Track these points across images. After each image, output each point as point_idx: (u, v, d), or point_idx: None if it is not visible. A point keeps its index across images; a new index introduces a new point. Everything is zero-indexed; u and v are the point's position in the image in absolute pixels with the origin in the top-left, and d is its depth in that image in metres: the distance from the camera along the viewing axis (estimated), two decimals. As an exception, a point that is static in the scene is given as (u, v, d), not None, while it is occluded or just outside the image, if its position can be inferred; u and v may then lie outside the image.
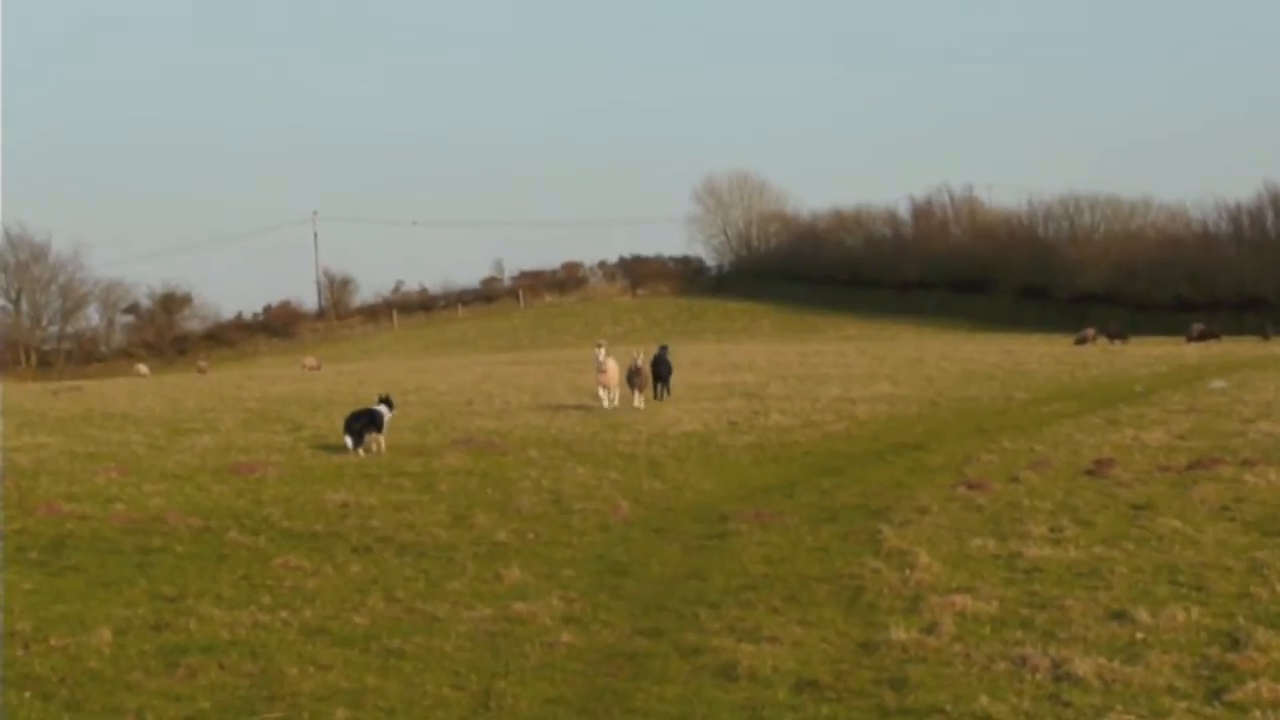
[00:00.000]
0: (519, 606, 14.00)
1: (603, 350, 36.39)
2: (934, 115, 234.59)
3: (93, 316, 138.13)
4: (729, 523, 19.16)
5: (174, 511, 19.77)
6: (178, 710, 10.55)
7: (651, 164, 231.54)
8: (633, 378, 36.55)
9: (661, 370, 40.24)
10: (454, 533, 18.53)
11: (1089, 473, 22.36)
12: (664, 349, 42.25)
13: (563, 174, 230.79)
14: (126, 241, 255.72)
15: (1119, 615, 12.89)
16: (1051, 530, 17.41)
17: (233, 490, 22.05)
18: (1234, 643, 11.80)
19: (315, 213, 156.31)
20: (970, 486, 21.26)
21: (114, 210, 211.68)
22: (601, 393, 35.94)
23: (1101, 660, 11.29)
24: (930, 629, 12.62)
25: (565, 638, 12.85)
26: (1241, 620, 12.53)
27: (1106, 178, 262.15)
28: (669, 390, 40.33)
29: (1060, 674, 11.03)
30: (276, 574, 15.83)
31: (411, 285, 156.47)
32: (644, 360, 37.11)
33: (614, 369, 36.08)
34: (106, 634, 12.81)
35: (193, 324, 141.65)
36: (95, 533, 18.32)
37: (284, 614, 13.74)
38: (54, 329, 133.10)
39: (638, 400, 36.39)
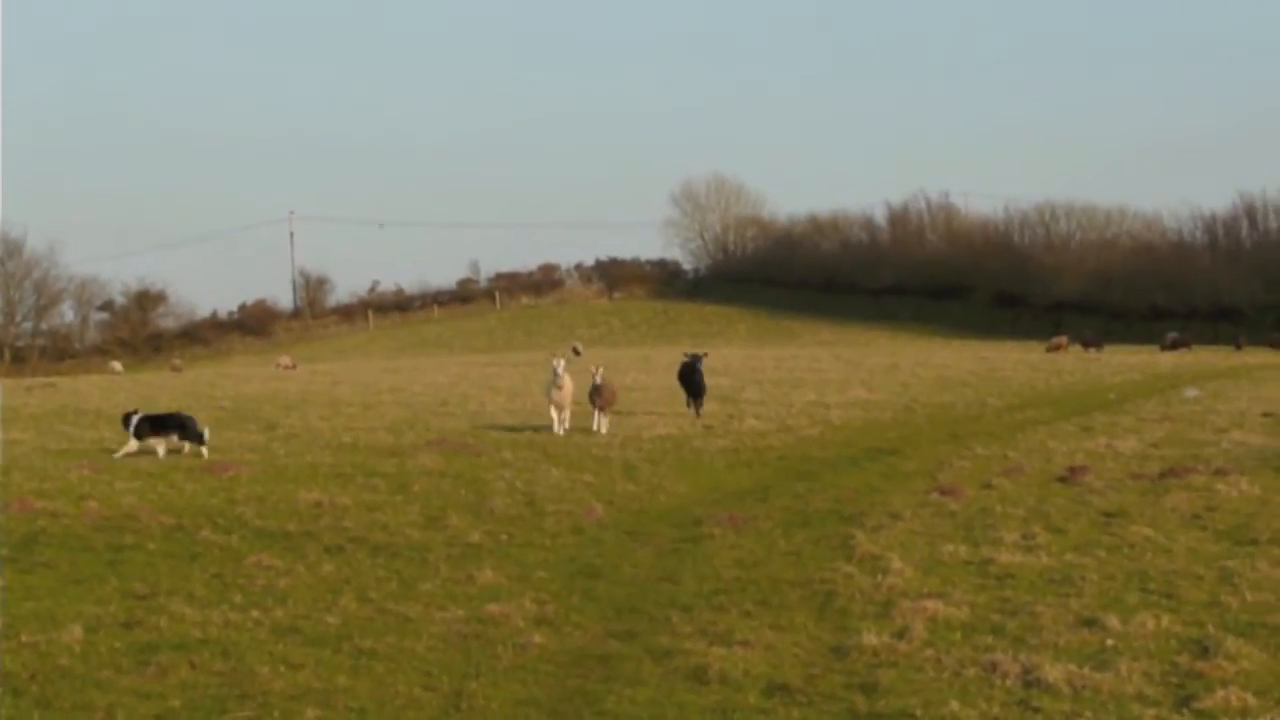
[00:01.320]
0: (491, 608, 14.00)
1: (561, 364, 31.20)
2: (911, 122, 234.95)
3: (67, 313, 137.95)
4: (702, 526, 19.17)
5: (146, 509, 19.72)
6: (148, 708, 10.54)
7: (629, 167, 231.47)
8: (593, 396, 31.64)
9: (695, 383, 35.52)
10: (427, 533, 18.51)
11: (1062, 480, 22.42)
12: (696, 359, 36.20)
13: (540, 176, 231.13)
14: (101, 238, 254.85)
15: (1089, 622, 12.92)
16: (1023, 537, 17.44)
17: (205, 489, 22.00)
18: (1203, 651, 11.84)
19: (292, 212, 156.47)
20: (943, 492, 21.30)
21: (89, 207, 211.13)
22: (554, 413, 31.17)
23: (1071, 667, 11.32)
24: (901, 634, 12.64)
25: (537, 639, 12.85)
26: (1211, 628, 12.57)
27: (1083, 186, 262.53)
28: (700, 409, 35.13)
29: (1030, 680, 11.05)
30: (249, 573, 15.80)
31: (387, 285, 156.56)
32: (604, 377, 31.72)
33: (570, 388, 31.17)
34: (77, 631, 12.78)
35: (167, 322, 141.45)
36: (67, 530, 18.27)
37: (256, 613, 13.72)
38: (28, 325, 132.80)
39: (599, 423, 31.38)
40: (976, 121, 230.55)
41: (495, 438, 29.84)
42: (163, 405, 40.53)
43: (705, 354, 37.77)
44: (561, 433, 30.47)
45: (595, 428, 31.22)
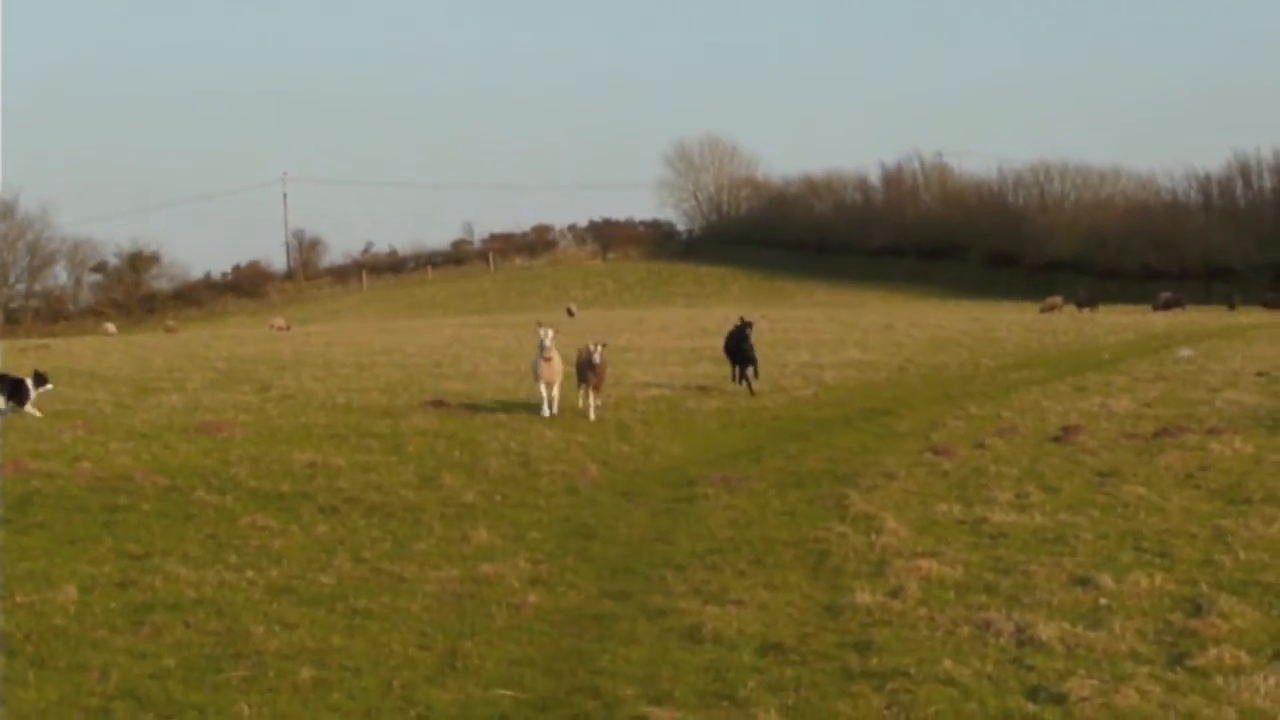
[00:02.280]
0: (486, 568, 14.00)
1: (549, 334, 27.16)
2: (906, 81, 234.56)
3: (60, 275, 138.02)
4: (696, 487, 19.18)
5: (141, 470, 19.72)
6: (142, 667, 10.54)
7: (623, 128, 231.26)
8: (584, 372, 27.47)
9: (744, 352, 31.19)
10: (421, 494, 18.51)
11: (1055, 439, 22.43)
12: (745, 325, 31.50)
13: (533, 137, 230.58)
14: (95, 200, 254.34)
15: (1083, 581, 12.93)
16: (1017, 496, 17.45)
17: (200, 449, 21.99)
18: (1197, 609, 11.85)
19: (285, 173, 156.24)
20: (937, 452, 21.31)
21: (82, 169, 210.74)
22: (542, 390, 27.13)
23: (1065, 625, 11.33)
24: (895, 593, 12.65)
25: (532, 599, 12.85)
26: (1205, 587, 12.58)
27: (1077, 146, 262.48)
28: (756, 378, 31.33)
29: (1024, 638, 11.07)
30: (243, 533, 15.80)
31: (381, 247, 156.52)
32: (602, 354, 27.13)
33: (559, 363, 27.30)
34: (72, 591, 12.78)
35: (161, 283, 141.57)
36: (61, 490, 18.26)
37: (250, 573, 13.71)
38: (21, 287, 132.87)
39: (588, 405, 27.28)
40: (971, 81, 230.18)
41: (490, 399, 29.84)
42: (156, 367, 40.56)
43: (753, 321, 32.44)
44: (550, 414, 26.59)
45: (580, 407, 27.40)
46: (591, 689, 10.10)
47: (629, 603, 12.79)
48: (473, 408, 27.90)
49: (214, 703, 9.71)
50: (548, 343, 26.96)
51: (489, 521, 16.52)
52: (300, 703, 9.77)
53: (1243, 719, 9.06)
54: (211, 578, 13.49)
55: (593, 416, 26.67)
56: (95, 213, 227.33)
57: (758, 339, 31.92)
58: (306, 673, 10.37)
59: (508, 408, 28.01)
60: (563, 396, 27.69)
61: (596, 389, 27.53)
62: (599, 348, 27.36)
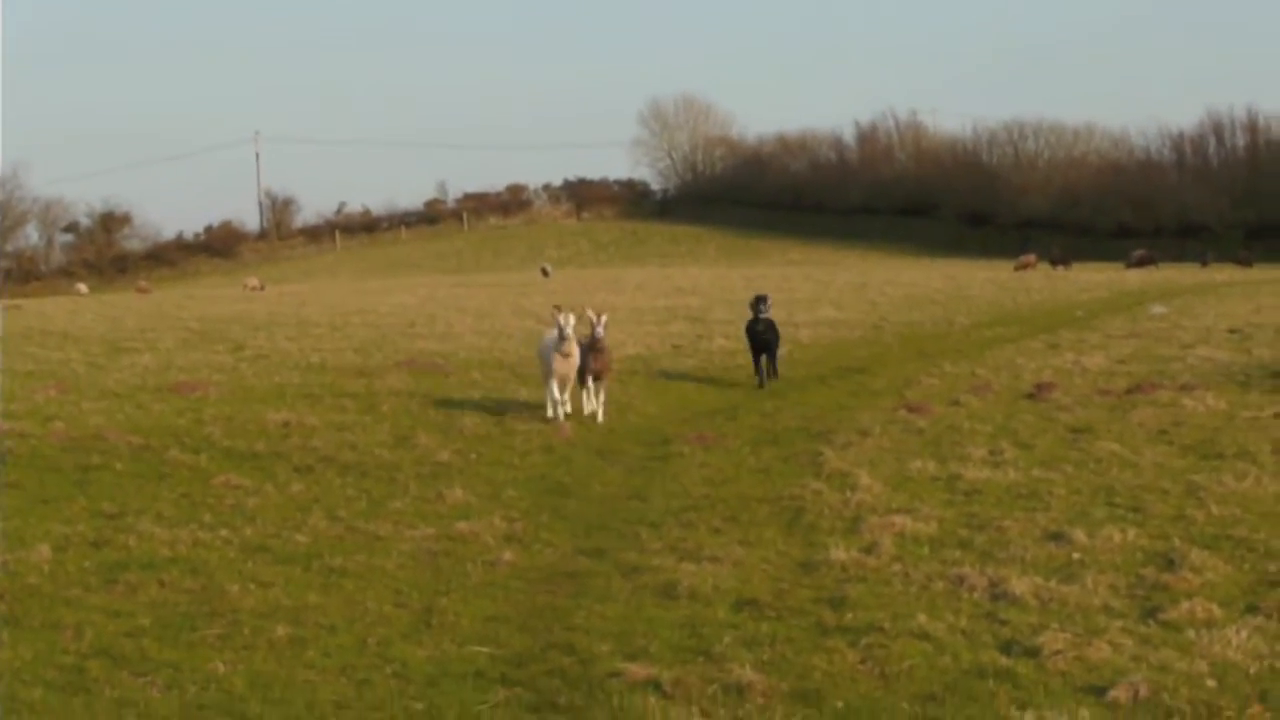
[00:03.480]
0: (461, 526, 14.02)
1: (571, 321, 21.15)
2: (880, 39, 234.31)
3: (32, 235, 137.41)
4: (671, 444, 19.21)
5: (114, 430, 19.66)
6: (117, 625, 10.54)
7: (597, 86, 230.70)
8: (583, 355, 21.53)
9: (769, 339, 26.04)
10: (396, 453, 18.50)
11: (1029, 396, 22.49)
12: (761, 301, 26.19)
13: (508, 95, 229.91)
14: (66, 160, 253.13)
15: (1056, 536, 12.98)
16: (991, 453, 17.50)
17: (173, 409, 21.93)
18: (1169, 563, 11.90)
19: (257, 132, 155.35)
20: (911, 409, 21.35)
21: (53, 128, 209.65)
22: (555, 390, 21.24)
23: (1038, 580, 11.37)
24: (870, 549, 12.68)
25: (507, 556, 12.87)
26: (1177, 541, 12.63)
27: (1051, 104, 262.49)
28: (776, 369, 26.35)
29: (997, 593, 11.11)
30: (217, 492, 15.79)
31: (354, 206, 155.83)
32: (604, 326, 21.75)
33: (576, 350, 21.15)
34: (46, 550, 12.76)
35: (133, 243, 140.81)
36: (34, 450, 18.21)
37: (225, 532, 13.71)
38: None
39: (592, 398, 21.74)
40: (945, 39, 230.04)
41: (464, 358, 29.78)
42: (129, 327, 40.43)
43: (765, 295, 26.73)
44: (561, 415, 21.11)
45: (586, 404, 21.80)
46: (567, 645, 10.12)
47: (604, 560, 12.82)
48: (447, 367, 27.85)
49: (189, 660, 9.71)
50: (568, 331, 20.87)
51: (464, 480, 16.53)
52: (276, 660, 9.78)
53: (1214, 671, 9.10)
54: (186, 536, 13.48)
55: (600, 418, 21.35)
56: (66, 173, 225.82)
57: (734, 297, 31.61)
58: (282, 630, 10.38)
59: (482, 367, 27.98)
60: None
61: (600, 376, 21.69)
62: (600, 318, 21.77)
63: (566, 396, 21.37)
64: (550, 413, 21.12)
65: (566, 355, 20.91)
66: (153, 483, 16.42)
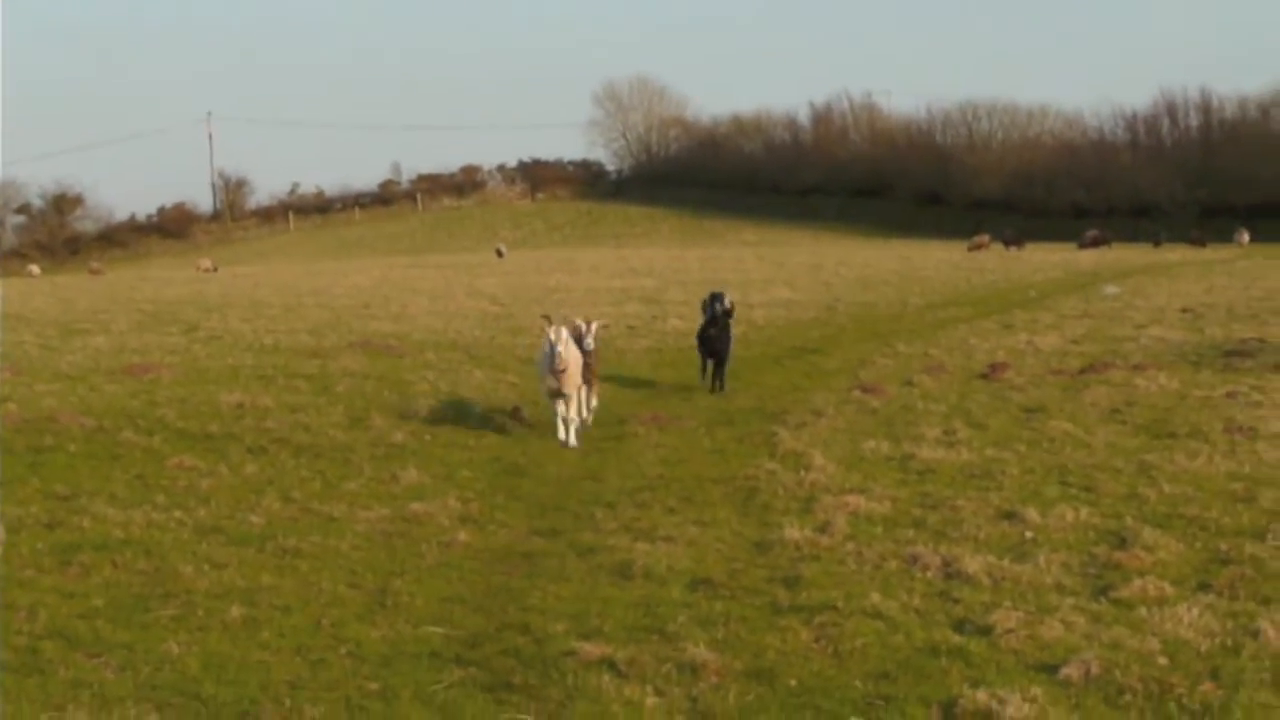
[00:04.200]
0: (416, 507, 14.00)
1: (563, 335, 18.38)
2: (834, 21, 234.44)
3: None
4: (626, 425, 19.23)
5: (66, 411, 19.56)
6: (71, 607, 10.49)
7: (552, 67, 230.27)
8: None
9: (718, 347, 22.85)
10: (351, 434, 18.47)
11: (983, 376, 22.60)
12: (717, 300, 23.31)
13: (462, 76, 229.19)
14: (18, 141, 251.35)
15: (1009, 515, 13.05)
16: (944, 433, 17.58)
17: (126, 391, 21.84)
18: (1121, 542, 11.98)
19: (209, 113, 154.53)
20: (865, 390, 21.42)
21: (4, 109, 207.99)
22: (560, 408, 18.42)
23: (991, 559, 11.43)
24: (823, 528, 12.72)
25: (462, 537, 12.87)
26: (1129, 520, 12.71)
27: (1006, 85, 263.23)
28: (723, 379, 22.87)
29: (950, 572, 11.16)
30: (171, 474, 15.72)
31: (308, 187, 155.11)
32: (597, 336, 19.83)
33: (577, 365, 18.48)
34: (-1, 532, 12.69)
35: (85, 225, 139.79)
36: (-14, 433, 18.12)
37: (178, 513, 13.65)
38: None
39: (577, 408, 18.83)
40: (900, 18, 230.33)
41: (418, 339, 29.75)
42: (82, 308, 40.20)
43: (721, 293, 23.83)
44: (573, 438, 18.32)
45: (571, 415, 18.59)
46: (522, 625, 10.13)
47: (559, 540, 12.82)
48: (401, 348, 27.80)
49: (143, 641, 9.68)
50: (560, 349, 18.16)
51: (419, 461, 16.51)
52: (230, 640, 9.75)
53: (1166, 649, 9.16)
54: (139, 518, 13.42)
55: (588, 421, 19.38)
56: (18, 154, 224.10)
57: (689, 278, 31.46)
58: (236, 611, 10.35)
59: (436, 348, 27.94)
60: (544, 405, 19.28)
61: (588, 382, 19.36)
62: (591, 327, 19.87)
63: (574, 414, 18.59)
64: (561, 435, 18.27)
65: (560, 370, 18.13)
66: (106, 464, 16.34)
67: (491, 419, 19.66)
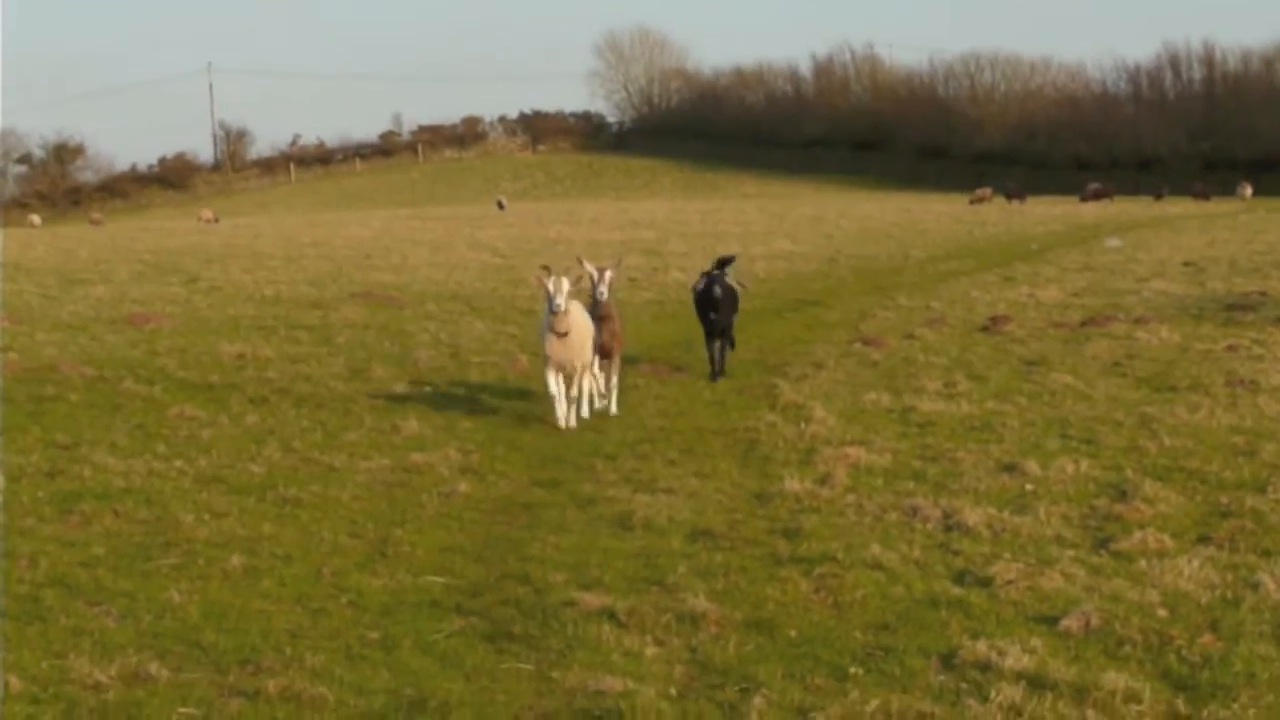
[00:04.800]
0: (416, 457, 14.01)
1: (565, 286, 15.52)
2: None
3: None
4: (627, 377, 19.19)
5: (67, 361, 19.59)
6: (72, 555, 10.50)
7: (553, 18, 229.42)
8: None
9: (724, 310, 19.10)
10: (351, 385, 18.48)
11: (984, 329, 22.58)
12: (722, 266, 19.86)
13: (463, 27, 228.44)
14: (19, 91, 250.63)
15: (1009, 468, 13.04)
16: (945, 385, 17.57)
17: (127, 341, 21.87)
18: (1121, 494, 11.97)
19: (210, 63, 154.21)
20: (866, 343, 21.41)
21: (6, 59, 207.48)
22: (552, 381, 15.77)
23: (991, 511, 11.43)
24: (824, 480, 12.71)
25: (462, 488, 12.87)
26: (1130, 473, 12.71)
27: (1008, 37, 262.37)
28: (727, 352, 19.59)
29: (950, 524, 11.15)
30: (171, 424, 15.74)
31: (309, 139, 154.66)
32: (611, 283, 16.75)
33: (582, 325, 15.91)
34: (0, 480, 12.70)
35: (86, 175, 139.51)
36: (-13, 382, 18.14)
37: (179, 463, 13.67)
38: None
39: (603, 387, 16.96)
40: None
41: (419, 290, 29.76)
42: (82, 259, 40.16)
43: (729, 259, 20.49)
44: (572, 419, 15.90)
45: (589, 397, 16.54)
46: (522, 575, 10.13)
47: (559, 491, 12.83)
48: (402, 300, 27.78)
49: (144, 590, 9.68)
50: (560, 300, 15.37)
51: (419, 412, 16.50)
52: (230, 589, 9.76)
53: (1166, 601, 9.17)
54: (140, 467, 13.44)
55: (613, 409, 16.75)
56: (19, 104, 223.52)
57: (690, 230, 31.31)
58: (236, 560, 10.36)
59: (437, 299, 27.94)
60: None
61: (608, 354, 16.72)
62: (604, 274, 16.61)
63: (576, 391, 16.05)
64: (560, 414, 15.72)
65: (563, 334, 15.49)
66: (107, 414, 16.37)
67: (492, 370, 19.65)
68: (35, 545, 10.77)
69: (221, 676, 8.14)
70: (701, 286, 19.29)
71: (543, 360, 16.06)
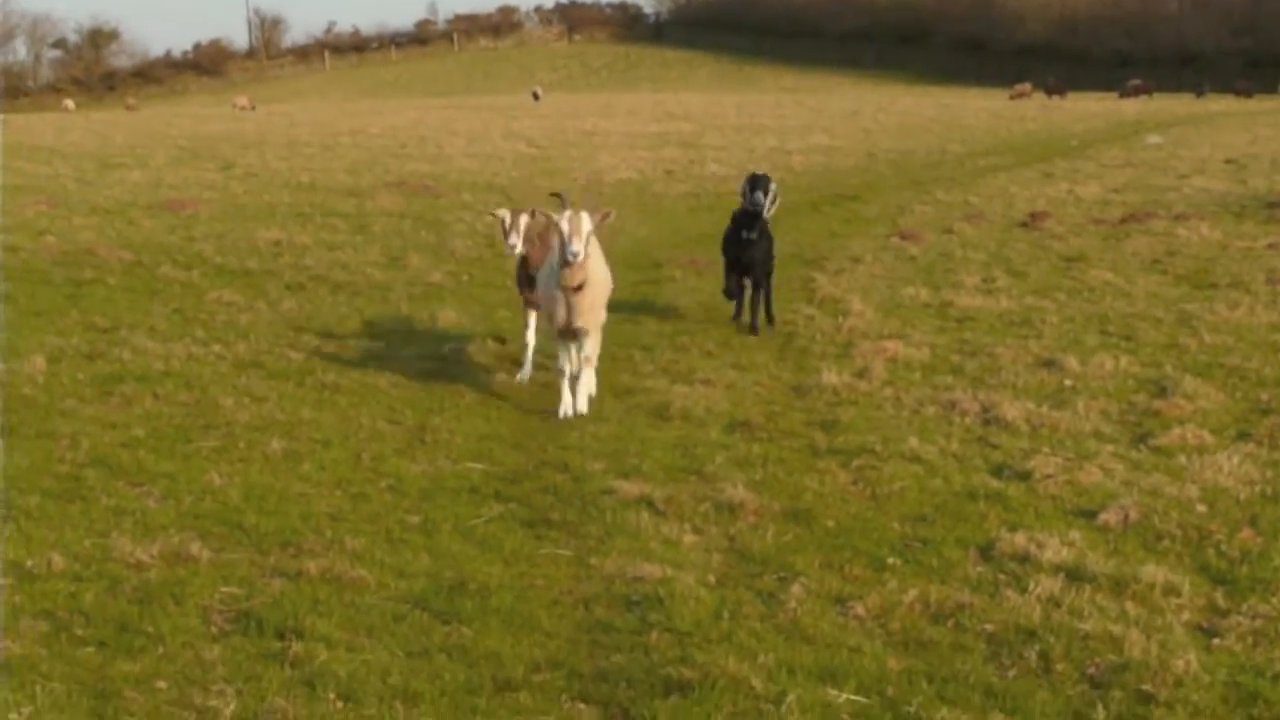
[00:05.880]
0: (453, 346, 14.06)
1: (578, 226, 11.27)
2: None
3: (19, 50, 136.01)
4: (663, 269, 19.19)
5: (105, 245, 19.63)
6: (113, 436, 10.55)
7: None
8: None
9: (753, 255, 15.08)
10: (388, 273, 18.51)
11: (1023, 225, 22.46)
12: (757, 186, 15.23)
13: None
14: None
15: (1048, 363, 13.01)
16: (983, 280, 17.51)
17: (164, 226, 21.89)
18: (1161, 390, 11.94)
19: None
20: (904, 237, 21.32)
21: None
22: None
23: (1030, 405, 11.41)
24: (861, 374, 12.71)
25: (500, 377, 12.91)
26: (1169, 369, 12.68)
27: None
28: (770, 310, 15.30)
29: (989, 418, 11.15)
30: (209, 309, 15.79)
31: (344, 26, 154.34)
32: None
33: (600, 274, 12.13)
34: (40, 362, 12.74)
35: (121, 60, 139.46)
36: (26, 264, 18.19)
37: (218, 347, 13.71)
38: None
39: (573, 360, 11.82)
40: None
41: (455, 180, 29.70)
42: (118, 144, 40.12)
43: (762, 177, 15.51)
44: (581, 406, 11.88)
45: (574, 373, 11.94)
46: (560, 463, 10.17)
47: (597, 381, 12.82)
48: (438, 189, 27.73)
49: (185, 471, 9.73)
50: (577, 246, 11.35)
51: (456, 301, 16.55)
52: (271, 472, 9.80)
53: (1205, 496, 9.16)
54: (179, 351, 13.49)
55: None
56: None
57: (727, 123, 31.05)
58: (276, 444, 10.40)
59: (473, 189, 27.88)
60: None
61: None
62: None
63: (576, 365, 11.90)
64: (565, 402, 11.83)
65: (577, 288, 11.62)
66: (145, 298, 16.42)
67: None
68: (76, 426, 10.83)
69: (263, 558, 8.19)
70: (741, 210, 15.45)
71: (552, 337, 12.11)
